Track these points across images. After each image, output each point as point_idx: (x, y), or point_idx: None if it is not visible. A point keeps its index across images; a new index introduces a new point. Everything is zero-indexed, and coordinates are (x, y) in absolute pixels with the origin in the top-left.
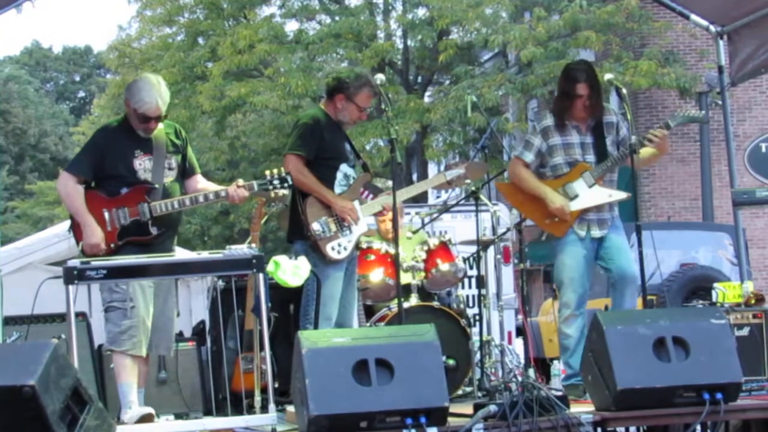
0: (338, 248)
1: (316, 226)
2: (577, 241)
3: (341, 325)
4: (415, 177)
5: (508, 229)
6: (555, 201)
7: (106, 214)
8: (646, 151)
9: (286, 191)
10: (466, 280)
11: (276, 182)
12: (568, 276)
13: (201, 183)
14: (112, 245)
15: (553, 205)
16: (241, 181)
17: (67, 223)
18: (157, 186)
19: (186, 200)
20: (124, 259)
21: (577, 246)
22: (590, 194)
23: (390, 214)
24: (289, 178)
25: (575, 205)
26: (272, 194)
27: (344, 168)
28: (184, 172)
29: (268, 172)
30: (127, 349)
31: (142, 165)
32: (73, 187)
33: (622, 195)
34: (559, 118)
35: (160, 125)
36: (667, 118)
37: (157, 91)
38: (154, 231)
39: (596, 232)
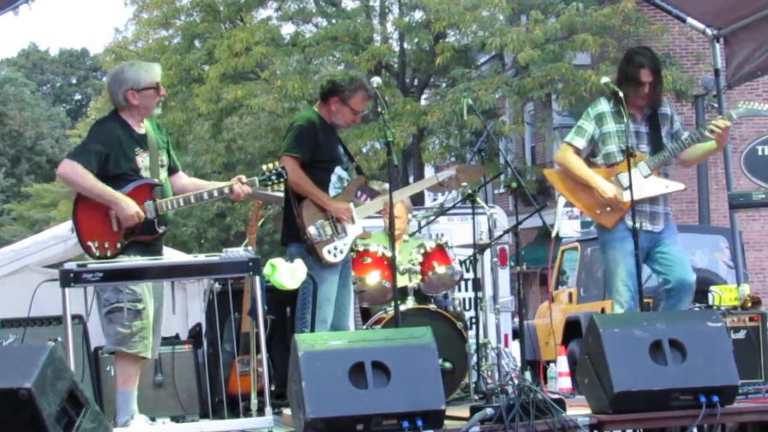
0: (334, 251)
1: (312, 230)
2: (628, 235)
3: (336, 328)
4: (411, 179)
5: (505, 232)
6: (607, 191)
7: (112, 214)
8: (702, 146)
9: (281, 194)
10: (462, 283)
11: (273, 177)
12: (620, 274)
13: (184, 179)
14: (118, 245)
15: (605, 195)
16: (244, 177)
17: (67, 224)
18: (159, 183)
19: (191, 198)
20: (120, 262)
21: (628, 241)
22: (646, 185)
23: (396, 212)
24: (284, 172)
25: (629, 196)
26: (270, 191)
27: (338, 171)
28: (170, 169)
29: (264, 167)
30: (139, 351)
31: (144, 162)
32: (86, 172)
33: (679, 186)
34: (617, 100)
35: (145, 122)
36: (730, 109)
37: (145, 62)
38: (161, 230)
39: (648, 226)
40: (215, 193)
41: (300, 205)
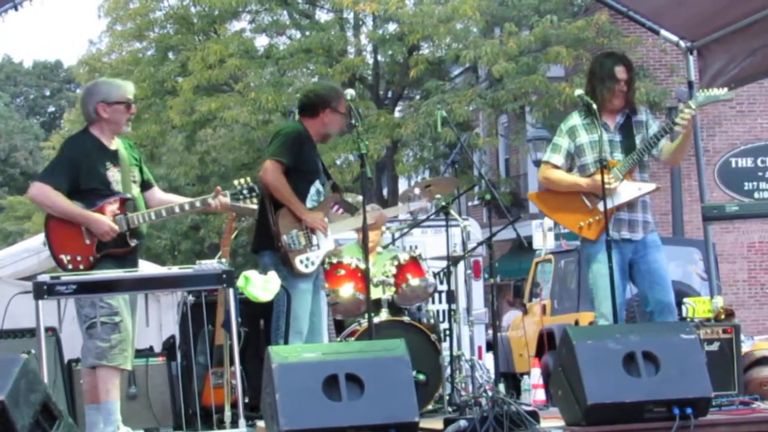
0: (306, 262)
1: (285, 239)
2: (612, 247)
3: (310, 340)
4: (385, 192)
5: (479, 244)
6: (597, 179)
7: (84, 228)
8: (673, 144)
9: (255, 206)
10: (436, 295)
11: (245, 192)
12: (604, 285)
13: (160, 194)
14: (91, 258)
15: (597, 181)
16: (221, 189)
17: (40, 237)
18: (131, 197)
19: (163, 211)
20: (94, 274)
21: (611, 251)
22: (620, 190)
23: (374, 225)
24: (256, 188)
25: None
26: (242, 204)
27: (317, 184)
28: (143, 185)
29: (236, 182)
30: (119, 364)
31: (114, 177)
32: (56, 194)
33: (651, 186)
34: (589, 112)
35: (117, 139)
36: (689, 99)
37: (121, 80)
38: (132, 243)
39: (626, 234)
40: (186, 207)
41: (276, 213)
